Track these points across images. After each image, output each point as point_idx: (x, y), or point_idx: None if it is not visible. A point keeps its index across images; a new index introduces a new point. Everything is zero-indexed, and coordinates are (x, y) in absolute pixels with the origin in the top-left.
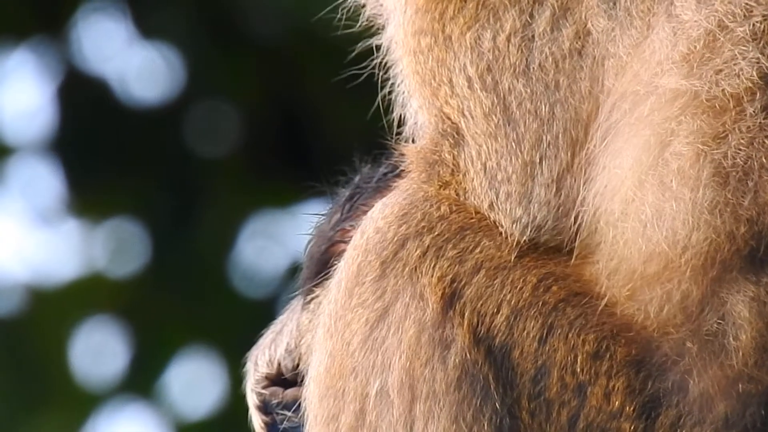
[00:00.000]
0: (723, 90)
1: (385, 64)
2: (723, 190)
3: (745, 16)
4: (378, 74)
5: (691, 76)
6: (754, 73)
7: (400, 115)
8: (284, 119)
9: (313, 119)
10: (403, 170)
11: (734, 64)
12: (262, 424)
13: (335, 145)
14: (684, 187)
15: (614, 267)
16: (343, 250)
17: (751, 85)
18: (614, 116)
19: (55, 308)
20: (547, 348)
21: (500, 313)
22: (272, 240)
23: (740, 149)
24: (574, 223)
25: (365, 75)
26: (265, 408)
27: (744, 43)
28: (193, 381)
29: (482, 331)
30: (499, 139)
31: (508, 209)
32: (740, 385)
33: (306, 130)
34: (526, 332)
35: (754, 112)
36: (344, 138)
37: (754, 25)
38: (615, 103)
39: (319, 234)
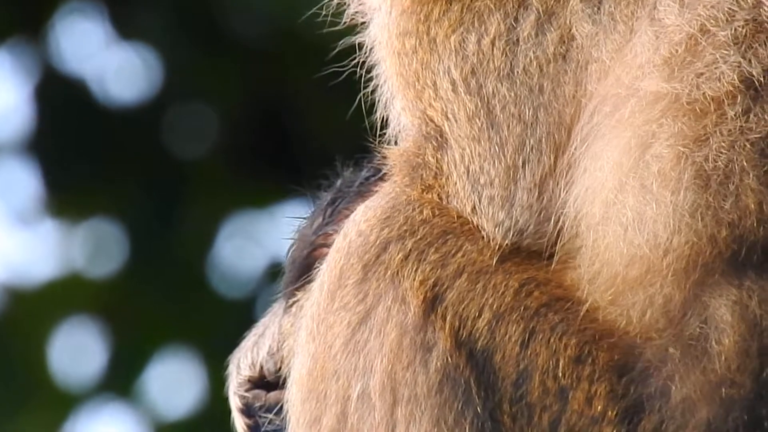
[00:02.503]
0: (704, 93)
1: (368, 64)
2: (704, 193)
3: (727, 20)
4: (360, 74)
5: (672, 79)
6: (735, 77)
7: (383, 117)
8: (264, 120)
9: (294, 120)
10: (386, 173)
11: (715, 68)
12: (245, 427)
13: (316, 146)
14: (665, 190)
15: (596, 271)
16: (326, 255)
17: (732, 88)
18: (595, 119)
19: (34, 308)
20: (528, 352)
21: (482, 317)
22: (251, 240)
23: (721, 152)
24: (556, 227)
25: (347, 75)
26: (248, 411)
27: (725, 47)
28: (172, 381)
29: (464, 335)
30: (482, 142)
31: (491, 213)
32: (723, 390)
33: (287, 131)
34: (508, 336)
35: (735, 115)
36: (326, 139)
37: (735, 29)
38: (596, 106)
39: (301, 238)
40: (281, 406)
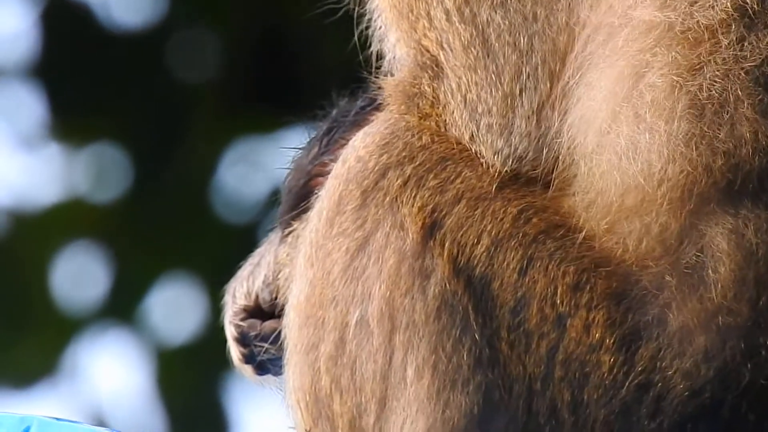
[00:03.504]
0: (697, 21)
1: None
2: (699, 122)
3: None
4: (354, 9)
5: (665, 7)
6: (729, 5)
7: (378, 51)
8: (268, 46)
9: (297, 47)
10: (381, 103)
11: None
12: (240, 356)
13: (320, 74)
14: (659, 119)
15: (591, 200)
16: (322, 184)
17: (725, 16)
18: (589, 48)
19: (37, 233)
20: (526, 279)
21: (480, 243)
22: (254, 166)
23: (715, 81)
24: (553, 154)
25: (344, 9)
26: (243, 340)
27: None
28: (175, 307)
29: (462, 262)
30: (478, 71)
31: (489, 141)
32: (720, 318)
33: (290, 58)
34: (506, 263)
35: (729, 44)
36: (327, 66)
37: None
38: (590, 35)
39: (297, 167)
40: (277, 336)
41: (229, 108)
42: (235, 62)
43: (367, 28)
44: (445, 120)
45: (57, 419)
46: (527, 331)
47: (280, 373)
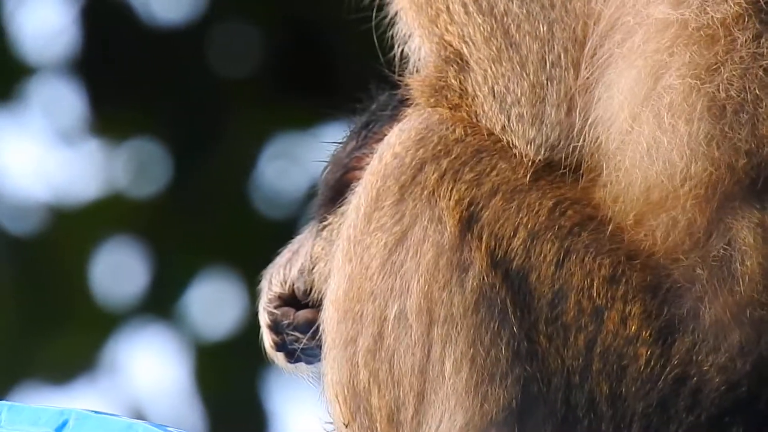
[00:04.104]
0: (711, 17)
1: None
2: (719, 122)
3: None
4: (378, 14)
5: (678, 4)
6: None
7: (402, 52)
8: (307, 41)
9: (336, 42)
10: (409, 100)
11: None
12: (272, 343)
13: (358, 69)
14: (679, 120)
15: (618, 193)
16: (359, 178)
17: (739, 10)
18: (606, 46)
19: (76, 228)
20: (563, 272)
21: (517, 236)
22: (293, 161)
23: (733, 81)
24: (584, 144)
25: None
26: (275, 327)
27: None
28: (214, 302)
29: (499, 255)
30: (503, 62)
31: (521, 131)
32: (750, 311)
33: (329, 53)
34: (543, 256)
35: (745, 41)
36: (365, 60)
37: None
38: (607, 33)
39: (335, 161)
40: (308, 326)
41: (268, 103)
42: (274, 57)
43: (390, 29)
44: (475, 110)
45: (95, 412)
46: (565, 324)
47: (312, 363)
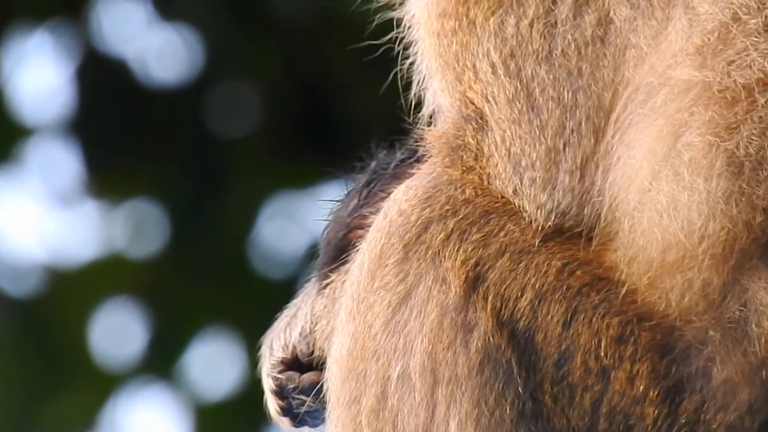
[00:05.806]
0: (735, 81)
1: (405, 41)
2: (737, 180)
3: (758, 8)
4: (397, 51)
5: (704, 67)
6: (766, 65)
7: (418, 95)
8: (305, 100)
9: (335, 100)
10: (423, 155)
11: (746, 55)
12: (278, 409)
13: (358, 127)
14: (698, 178)
15: (633, 255)
16: (360, 237)
17: (762, 76)
18: (629, 107)
19: (75, 289)
20: (570, 332)
21: (524, 296)
22: (292, 221)
23: (753, 139)
24: (596, 210)
25: (385, 51)
26: (281, 392)
27: (756, 35)
28: (213, 362)
29: (506, 315)
30: (522, 125)
31: (533, 195)
32: (764, 372)
33: (327, 111)
34: (550, 316)
35: (765, 102)
36: (367, 119)
37: (766, 17)
38: (630, 95)
39: (336, 220)
40: (315, 388)
41: (266, 162)
42: (271, 116)
43: (408, 70)
44: (489, 173)
45: None
46: (571, 384)
47: (318, 425)
